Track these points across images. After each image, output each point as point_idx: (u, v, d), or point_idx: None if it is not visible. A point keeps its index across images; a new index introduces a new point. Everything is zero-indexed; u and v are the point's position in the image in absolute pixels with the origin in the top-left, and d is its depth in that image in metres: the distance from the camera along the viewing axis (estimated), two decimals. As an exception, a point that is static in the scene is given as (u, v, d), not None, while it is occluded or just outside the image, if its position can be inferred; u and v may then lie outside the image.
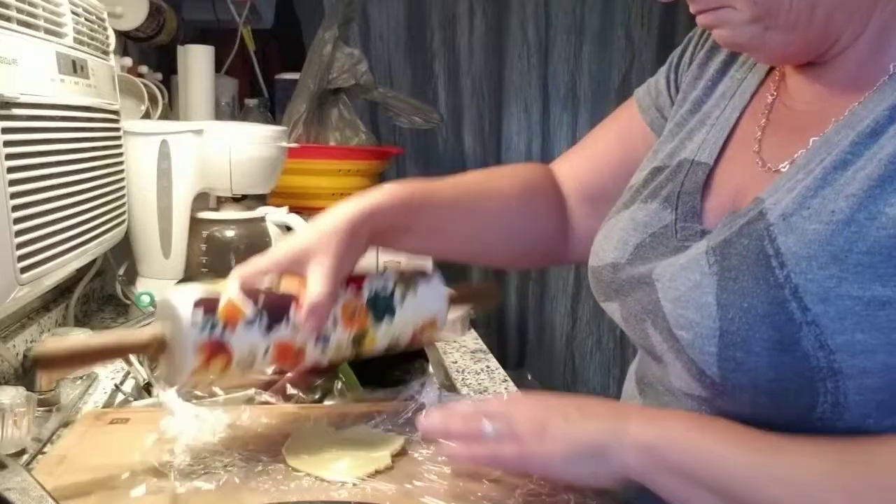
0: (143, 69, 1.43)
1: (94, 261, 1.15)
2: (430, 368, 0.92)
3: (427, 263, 0.75)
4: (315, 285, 0.62)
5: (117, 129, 1.04)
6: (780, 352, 0.50)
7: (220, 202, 1.24)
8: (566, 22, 1.95)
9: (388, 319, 0.67)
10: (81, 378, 0.90)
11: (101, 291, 1.33)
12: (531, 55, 1.95)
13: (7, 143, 0.68)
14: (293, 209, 1.29)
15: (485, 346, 1.16)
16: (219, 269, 1.15)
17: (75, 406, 0.83)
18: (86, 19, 0.93)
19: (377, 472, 0.63)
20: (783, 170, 0.57)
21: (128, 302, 1.20)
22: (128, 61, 1.33)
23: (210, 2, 1.76)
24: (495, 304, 0.86)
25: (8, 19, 0.71)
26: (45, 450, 0.72)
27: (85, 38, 0.92)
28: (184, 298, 0.61)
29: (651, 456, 0.54)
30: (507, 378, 1.03)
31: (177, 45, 1.56)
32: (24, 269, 0.71)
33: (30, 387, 0.76)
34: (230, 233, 1.21)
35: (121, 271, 1.22)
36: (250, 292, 0.63)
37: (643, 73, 1.97)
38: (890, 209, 0.48)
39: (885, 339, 0.47)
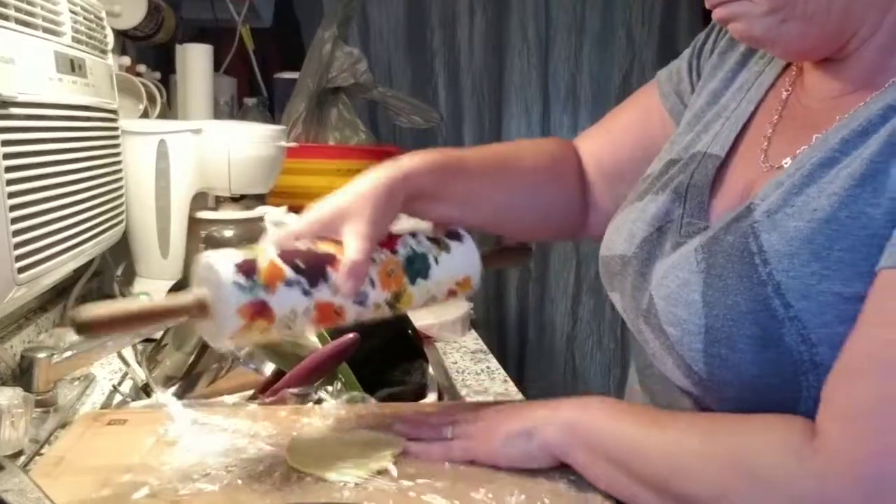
0: (142, 68, 1.43)
1: (91, 261, 1.14)
2: (431, 369, 0.92)
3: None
4: (352, 246, 0.63)
5: (115, 129, 1.04)
6: (763, 348, 0.51)
7: (219, 202, 1.23)
8: (566, 21, 1.95)
9: (424, 278, 0.68)
10: (79, 379, 0.89)
11: (98, 292, 1.32)
12: (531, 54, 1.95)
13: (5, 143, 0.68)
14: (292, 209, 1.28)
15: (485, 347, 1.16)
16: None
17: (73, 407, 0.83)
18: (84, 18, 0.93)
19: (378, 473, 0.63)
20: (785, 167, 0.56)
21: (126, 302, 1.20)
22: (126, 60, 1.33)
23: (209, 1, 1.75)
24: (527, 261, 0.87)
25: (6, 18, 0.71)
26: (43, 451, 0.72)
27: (83, 37, 0.91)
28: (224, 260, 0.62)
29: (568, 433, 0.60)
30: (507, 378, 1.03)
31: (175, 44, 1.55)
32: (21, 270, 0.71)
33: (27, 388, 0.76)
34: (229, 232, 1.21)
35: (119, 271, 1.21)
36: (288, 254, 0.63)
37: (644, 72, 1.97)
38: (870, 209, 0.49)
39: None
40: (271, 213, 1.22)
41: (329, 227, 0.66)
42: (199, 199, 1.20)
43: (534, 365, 2.07)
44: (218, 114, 1.63)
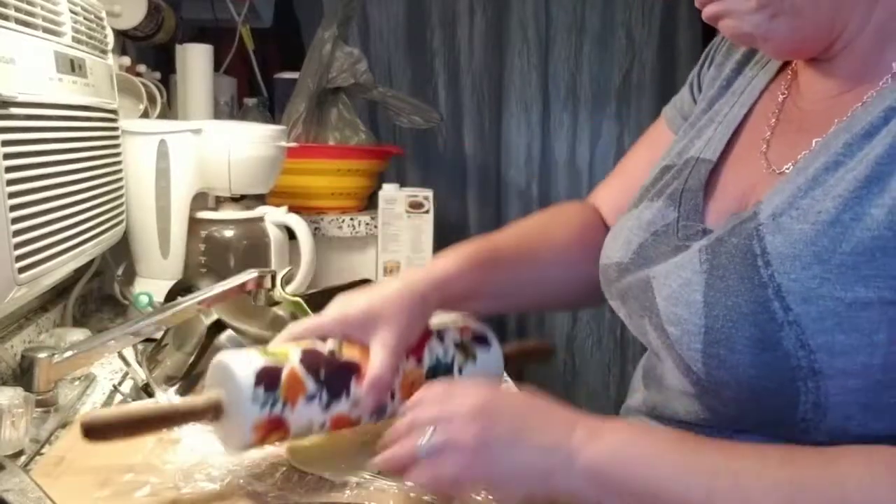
0: (142, 68, 1.43)
1: (92, 261, 1.14)
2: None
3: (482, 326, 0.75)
4: (378, 360, 0.62)
5: (115, 129, 1.04)
6: (761, 350, 0.50)
7: (219, 202, 1.23)
8: (566, 21, 1.95)
9: None
10: (80, 379, 0.89)
11: (99, 292, 1.32)
12: (531, 54, 1.95)
13: (5, 143, 0.68)
14: (292, 209, 1.28)
15: (485, 347, 1.16)
16: (218, 269, 1.14)
17: (73, 407, 0.83)
18: (84, 18, 0.93)
19: (379, 473, 0.63)
20: (787, 171, 0.57)
21: (126, 302, 1.20)
22: (126, 60, 1.33)
23: (209, 1, 1.75)
24: (550, 359, 0.86)
25: (6, 18, 0.71)
26: (44, 451, 0.71)
27: (83, 37, 0.91)
28: (244, 369, 0.60)
29: (600, 480, 0.52)
30: (507, 378, 1.02)
31: (175, 44, 1.55)
32: (21, 270, 0.71)
33: (28, 387, 0.76)
34: (229, 232, 1.21)
35: (119, 271, 1.21)
36: (312, 361, 0.62)
37: (644, 72, 1.96)
38: (875, 210, 0.49)
39: (866, 341, 0.48)
40: (271, 213, 1.22)
41: (360, 329, 0.64)
42: (200, 199, 1.20)
43: (533, 364, 2.07)
44: (218, 114, 1.63)
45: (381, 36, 1.93)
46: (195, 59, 1.51)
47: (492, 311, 0.71)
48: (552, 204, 2.13)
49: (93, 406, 0.84)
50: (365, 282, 0.94)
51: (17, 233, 0.70)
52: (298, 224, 1.22)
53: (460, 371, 0.69)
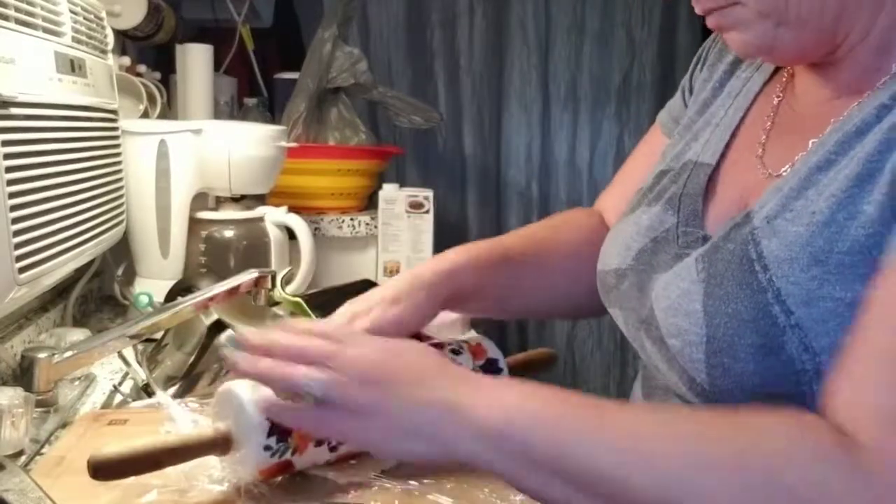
0: (142, 68, 1.43)
1: (92, 261, 1.14)
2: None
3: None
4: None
5: (115, 129, 1.04)
6: (765, 356, 0.50)
7: (219, 202, 1.23)
8: (566, 21, 1.95)
9: None
10: (79, 379, 0.89)
11: (99, 292, 1.32)
12: (531, 54, 1.95)
13: (5, 143, 0.68)
14: (292, 209, 1.28)
15: (485, 347, 1.16)
16: (218, 270, 1.15)
17: (73, 407, 0.83)
18: (84, 18, 0.93)
19: (382, 472, 0.63)
20: (784, 174, 0.56)
21: (126, 302, 1.20)
22: (126, 60, 1.33)
23: (209, 0, 1.75)
24: (553, 366, 0.84)
25: (6, 18, 0.71)
26: (44, 451, 0.72)
27: (83, 37, 0.91)
28: (258, 416, 0.59)
29: (493, 446, 0.49)
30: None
31: (175, 44, 1.55)
32: (22, 270, 0.71)
33: (28, 387, 0.76)
34: (229, 233, 1.21)
35: (119, 271, 1.21)
36: None
37: (643, 72, 1.96)
38: (868, 207, 0.48)
39: None
40: (271, 214, 1.22)
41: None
42: (200, 200, 1.20)
43: (537, 373, 2.07)
44: (218, 114, 1.63)
45: (382, 36, 1.93)
46: (195, 59, 1.51)
47: (496, 315, 0.70)
48: (552, 204, 2.13)
49: (93, 406, 0.84)
50: (366, 282, 0.93)
51: (17, 233, 0.70)
52: (298, 224, 1.22)
53: None
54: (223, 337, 0.83)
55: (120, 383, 0.87)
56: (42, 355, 0.78)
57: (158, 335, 0.89)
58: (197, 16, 1.79)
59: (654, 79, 1.96)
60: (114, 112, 1.02)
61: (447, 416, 0.50)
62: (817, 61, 0.58)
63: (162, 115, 1.41)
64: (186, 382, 0.83)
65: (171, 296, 0.98)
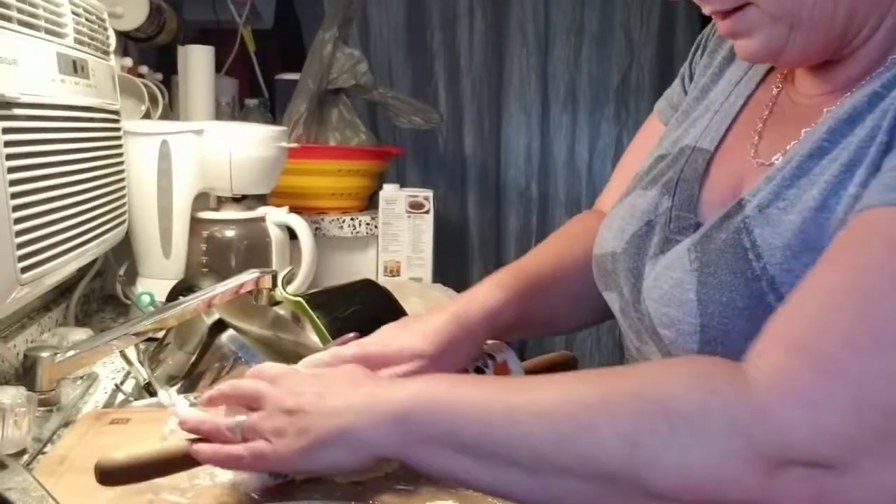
0: (144, 69, 1.43)
1: (94, 261, 1.15)
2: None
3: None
4: None
5: (118, 130, 1.04)
6: None
7: (221, 202, 1.24)
8: (565, 22, 1.95)
9: None
10: (82, 378, 0.90)
11: (101, 291, 1.33)
12: (531, 55, 1.96)
13: (7, 144, 0.68)
14: (293, 209, 1.29)
15: (485, 346, 1.16)
16: (219, 269, 1.15)
17: (76, 406, 0.83)
18: (86, 19, 0.93)
19: (386, 475, 0.63)
20: (776, 163, 0.56)
21: (128, 302, 1.20)
22: (128, 61, 1.33)
23: (210, 2, 1.76)
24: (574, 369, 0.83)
25: (8, 19, 0.71)
26: (46, 450, 0.72)
27: (85, 39, 0.92)
28: None
29: (398, 428, 0.49)
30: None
31: (177, 45, 1.56)
32: (24, 269, 0.71)
33: (30, 387, 0.76)
34: (230, 233, 1.21)
35: (121, 271, 1.22)
36: None
37: (642, 73, 1.97)
38: (854, 189, 0.48)
39: None
40: (272, 214, 1.22)
41: (392, 361, 0.63)
42: (201, 200, 1.21)
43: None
44: (219, 115, 1.64)
45: (382, 37, 1.93)
46: (197, 61, 1.51)
47: (525, 336, 0.70)
48: (551, 204, 2.13)
49: (95, 405, 0.85)
50: (366, 282, 0.94)
51: (19, 233, 0.70)
52: (299, 224, 1.22)
53: None
54: (224, 336, 0.84)
55: (122, 382, 0.88)
56: (44, 354, 0.78)
57: (160, 334, 0.89)
58: (198, 17, 1.79)
59: (652, 79, 1.96)
60: (116, 113, 1.03)
61: (363, 413, 0.51)
62: (819, 63, 0.58)
63: (164, 116, 1.41)
64: (188, 382, 0.83)
65: (173, 295, 0.98)
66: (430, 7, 1.93)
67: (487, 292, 0.69)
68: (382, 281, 1.43)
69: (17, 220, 0.70)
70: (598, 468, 0.44)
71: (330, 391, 0.54)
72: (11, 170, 0.69)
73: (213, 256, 1.20)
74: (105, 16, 1.02)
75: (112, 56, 1.05)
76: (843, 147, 0.51)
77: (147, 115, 1.32)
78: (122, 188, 1.06)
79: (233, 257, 1.21)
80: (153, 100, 1.36)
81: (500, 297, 0.68)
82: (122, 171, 1.05)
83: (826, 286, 0.44)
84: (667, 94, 0.79)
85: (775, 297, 0.50)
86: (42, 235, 0.75)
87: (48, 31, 0.80)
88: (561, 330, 0.77)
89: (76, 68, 0.87)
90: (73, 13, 0.88)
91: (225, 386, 0.59)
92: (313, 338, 0.86)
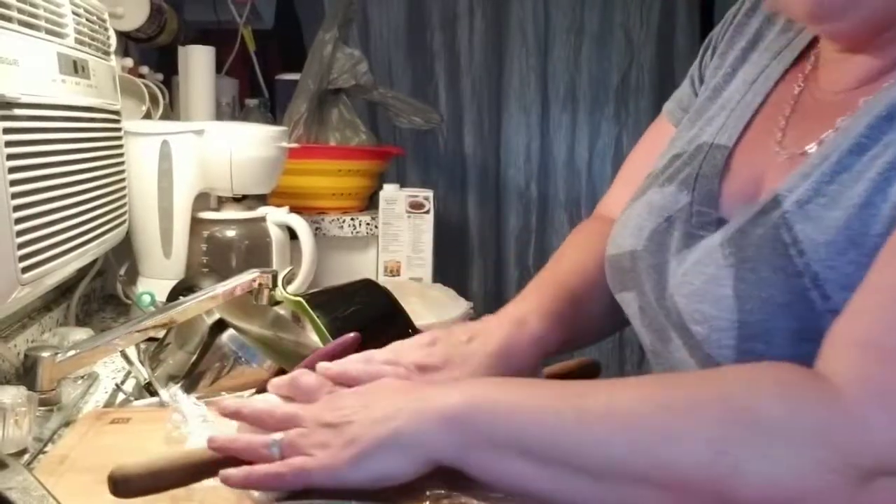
0: (144, 70, 1.43)
1: (95, 261, 1.15)
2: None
3: None
4: None
5: (118, 130, 1.04)
6: (801, 341, 0.49)
7: (221, 202, 1.24)
8: (565, 22, 1.95)
9: None
10: (82, 378, 0.90)
11: (102, 291, 1.33)
12: (530, 55, 1.96)
13: (8, 144, 0.68)
14: (293, 209, 1.29)
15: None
16: (219, 269, 1.15)
17: (76, 405, 0.83)
18: (87, 20, 0.93)
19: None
20: (810, 151, 0.55)
21: (129, 302, 1.21)
22: (129, 62, 1.33)
23: (211, 2, 1.76)
24: (598, 375, 0.82)
25: (9, 19, 0.71)
26: (47, 449, 0.72)
27: (86, 39, 0.92)
28: None
29: (455, 430, 0.48)
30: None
31: (178, 45, 1.56)
32: (25, 269, 0.71)
33: (31, 386, 0.76)
34: (231, 233, 1.21)
35: (122, 271, 1.22)
36: None
37: (642, 73, 1.97)
38: None
39: None
40: (273, 214, 1.23)
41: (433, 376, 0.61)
42: (202, 200, 1.21)
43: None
44: (220, 115, 1.64)
45: (382, 37, 1.93)
46: (197, 61, 1.51)
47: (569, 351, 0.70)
48: (551, 204, 2.13)
49: (95, 405, 0.85)
50: (366, 282, 0.94)
51: (20, 233, 0.70)
52: (300, 224, 1.23)
53: None
54: (224, 336, 0.84)
55: (122, 382, 0.88)
56: (45, 354, 0.78)
57: (161, 334, 0.89)
58: (199, 17, 1.80)
59: (652, 79, 1.96)
60: (116, 113, 1.03)
61: (416, 415, 0.49)
62: (861, 43, 0.57)
63: (164, 116, 1.41)
64: (188, 381, 0.83)
65: (174, 295, 0.99)
66: (430, 7, 1.93)
67: (536, 325, 0.66)
68: (382, 281, 1.44)
69: (18, 221, 0.70)
70: (678, 475, 0.43)
71: (375, 401, 0.52)
72: (12, 170, 0.69)
73: (213, 256, 1.20)
74: (106, 16, 1.02)
75: (113, 56, 1.05)
76: (885, 144, 0.50)
77: (147, 116, 1.32)
78: (123, 188, 1.06)
79: (233, 257, 1.21)
80: (154, 100, 1.36)
81: (546, 327, 0.67)
82: (122, 172, 1.05)
83: (888, 283, 0.44)
84: (675, 96, 0.79)
85: (818, 293, 0.49)
86: (43, 235, 0.75)
87: (49, 32, 0.80)
88: (594, 342, 0.76)
89: (77, 68, 0.87)
90: (74, 13, 0.88)
91: (247, 410, 0.57)
92: (313, 337, 0.86)
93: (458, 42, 1.94)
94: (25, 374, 0.79)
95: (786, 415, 0.43)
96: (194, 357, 0.84)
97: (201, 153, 1.17)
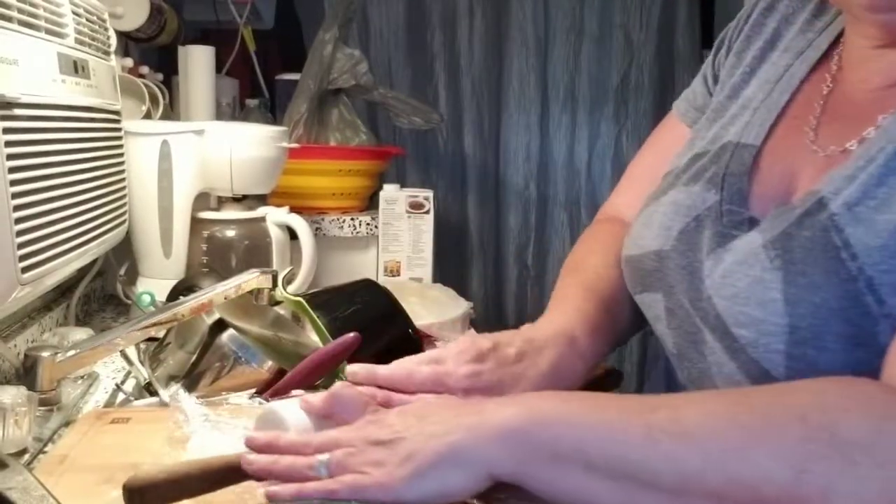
0: (144, 70, 1.43)
1: (95, 261, 1.15)
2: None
3: None
4: None
5: (118, 130, 1.04)
6: (855, 346, 0.49)
7: (221, 202, 1.24)
8: (565, 22, 1.95)
9: None
10: (82, 378, 0.90)
11: (102, 291, 1.33)
12: (530, 56, 1.96)
13: (8, 144, 0.68)
14: (293, 209, 1.29)
15: (485, 346, 1.16)
16: (219, 269, 1.15)
17: (76, 405, 0.84)
18: (87, 20, 0.93)
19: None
20: (850, 148, 0.55)
21: (129, 302, 1.21)
22: (129, 62, 1.33)
23: (211, 2, 1.76)
24: (620, 384, 0.81)
25: (9, 19, 0.71)
26: (47, 449, 0.72)
27: (86, 39, 0.92)
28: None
29: (517, 444, 0.46)
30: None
31: (178, 45, 1.56)
32: (25, 269, 0.72)
33: (31, 386, 0.76)
34: (231, 233, 1.21)
35: (122, 271, 1.22)
36: None
37: (641, 73, 1.97)
38: None
39: None
40: (273, 214, 1.22)
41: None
42: (202, 200, 1.21)
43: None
44: (220, 115, 1.64)
45: (382, 37, 1.93)
46: (197, 61, 1.51)
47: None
48: (550, 204, 2.13)
49: (95, 405, 0.85)
50: (366, 282, 0.94)
51: (20, 233, 0.70)
52: (300, 224, 1.23)
53: None
54: (225, 336, 0.84)
55: (122, 382, 0.88)
56: (45, 354, 0.78)
57: (161, 334, 0.89)
58: (199, 17, 1.80)
59: (651, 80, 1.96)
60: (116, 113, 1.03)
61: (474, 429, 0.48)
62: (881, 50, 0.57)
63: (164, 116, 1.41)
64: (188, 381, 0.83)
65: (174, 295, 0.99)
66: (430, 7, 1.93)
67: (584, 342, 0.66)
68: (382, 281, 1.44)
69: (18, 220, 0.70)
70: (754, 492, 0.42)
71: (428, 417, 0.51)
72: (12, 170, 0.69)
73: (213, 256, 1.20)
74: (106, 16, 1.02)
75: (113, 56, 1.05)
76: None
77: (148, 116, 1.33)
78: (123, 188, 1.06)
79: (233, 257, 1.21)
80: (154, 100, 1.36)
81: (593, 342, 0.67)
82: (122, 172, 1.05)
83: None
84: (686, 96, 0.78)
85: (874, 298, 0.48)
86: (43, 235, 0.75)
87: (49, 32, 0.80)
88: (621, 345, 0.75)
89: (77, 68, 0.87)
90: (74, 13, 0.88)
91: (284, 442, 0.54)
92: (313, 337, 0.86)
93: (458, 42, 1.94)
94: (25, 374, 0.79)
95: (871, 433, 0.42)
96: (194, 357, 0.84)
97: (201, 153, 1.17)
